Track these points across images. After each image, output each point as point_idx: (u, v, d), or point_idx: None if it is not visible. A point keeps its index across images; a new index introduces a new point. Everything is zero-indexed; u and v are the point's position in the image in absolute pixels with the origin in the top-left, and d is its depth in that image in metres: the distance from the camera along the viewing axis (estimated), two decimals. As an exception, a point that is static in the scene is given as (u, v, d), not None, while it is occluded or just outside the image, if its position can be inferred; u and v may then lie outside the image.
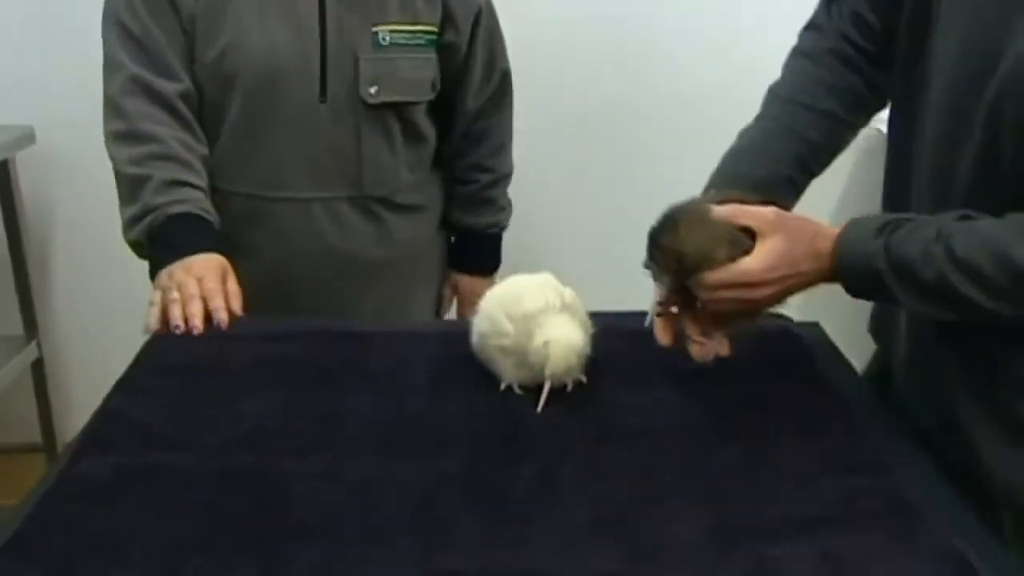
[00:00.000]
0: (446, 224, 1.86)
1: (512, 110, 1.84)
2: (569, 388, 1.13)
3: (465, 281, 1.89)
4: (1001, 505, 1.04)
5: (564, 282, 1.21)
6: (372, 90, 1.59)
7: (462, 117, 1.77)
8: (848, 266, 1.04)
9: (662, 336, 1.15)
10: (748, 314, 1.12)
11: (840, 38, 1.22)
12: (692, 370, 1.15)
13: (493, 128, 1.81)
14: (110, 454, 1.03)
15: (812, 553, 0.86)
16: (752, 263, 1.06)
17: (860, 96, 1.22)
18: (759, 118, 1.25)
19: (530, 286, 1.17)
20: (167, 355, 1.28)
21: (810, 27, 1.27)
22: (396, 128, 1.65)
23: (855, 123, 1.24)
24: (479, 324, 1.18)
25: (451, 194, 1.85)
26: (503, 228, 1.89)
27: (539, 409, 1.11)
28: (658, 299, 1.14)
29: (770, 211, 1.07)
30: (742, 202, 1.09)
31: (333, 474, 1.00)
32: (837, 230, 1.06)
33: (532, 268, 1.22)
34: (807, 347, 1.27)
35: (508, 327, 1.14)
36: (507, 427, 1.09)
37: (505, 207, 1.88)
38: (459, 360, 1.22)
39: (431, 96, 1.69)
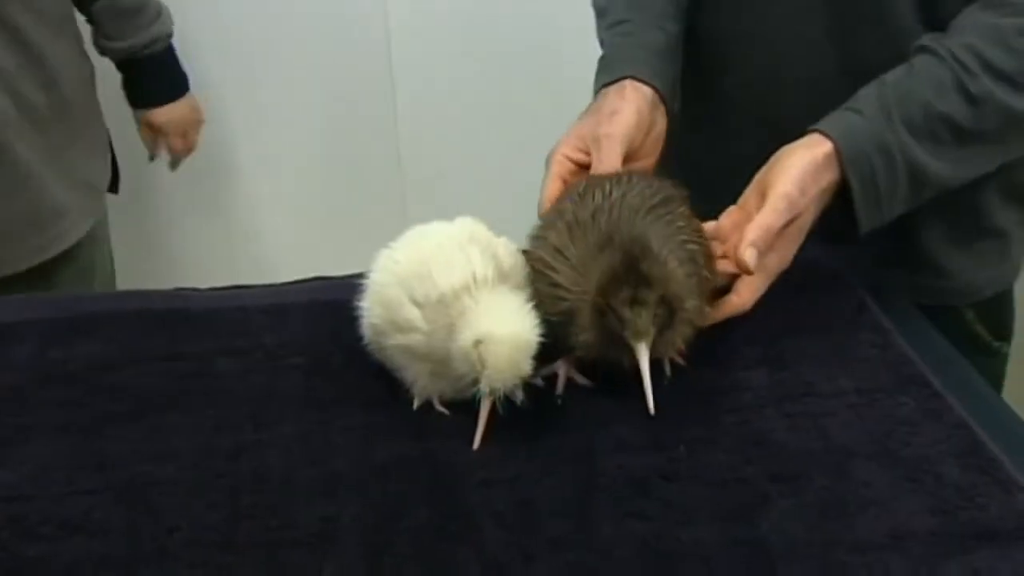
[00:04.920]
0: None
1: None
2: (520, 400, 0.71)
3: (158, 116, 1.54)
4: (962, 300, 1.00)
5: (496, 227, 0.79)
6: None
7: None
8: (856, 157, 0.81)
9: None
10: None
11: None
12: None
13: None
14: None
15: None
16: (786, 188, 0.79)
17: None
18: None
19: (443, 246, 0.74)
20: None
21: None
22: None
23: None
24: (370, 312, 0.76)
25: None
26: (166, 39, 1.48)
27: (476, 445, 0.71)
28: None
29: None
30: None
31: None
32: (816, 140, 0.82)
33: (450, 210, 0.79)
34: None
35: (415, 317, 0.72)
36: (432, 491, 0.67)
37: (154, 15, 1.46)
38: (345, 350, 0.80)
39: None
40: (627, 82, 0.90)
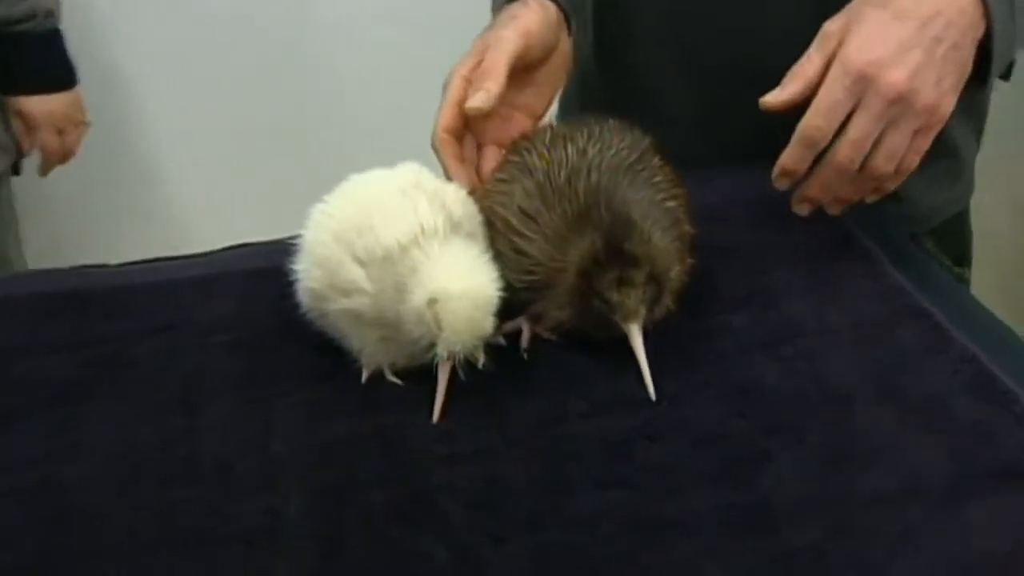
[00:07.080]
0: None
1: None
2: (482, 364, 0.63)
3: (30, 105, 1.36)
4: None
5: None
6: None
7: None
8: None
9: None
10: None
11: None
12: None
13: None
14: None
15: None
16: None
17: None
18: None
19: (384, 195, 0.66)
20: None
21: None
22: None
23: None
24: (307, 275, 0.67)
25: None
26: (46, 18, 1.33)
27: (435, 417, 0.63)
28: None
29: None
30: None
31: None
32: None
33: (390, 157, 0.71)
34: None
35: (358, 277, 0.64)
36: (388, 472, 0.60)
37: None
38: (281, 321, 0.71)
39: None
40: None
